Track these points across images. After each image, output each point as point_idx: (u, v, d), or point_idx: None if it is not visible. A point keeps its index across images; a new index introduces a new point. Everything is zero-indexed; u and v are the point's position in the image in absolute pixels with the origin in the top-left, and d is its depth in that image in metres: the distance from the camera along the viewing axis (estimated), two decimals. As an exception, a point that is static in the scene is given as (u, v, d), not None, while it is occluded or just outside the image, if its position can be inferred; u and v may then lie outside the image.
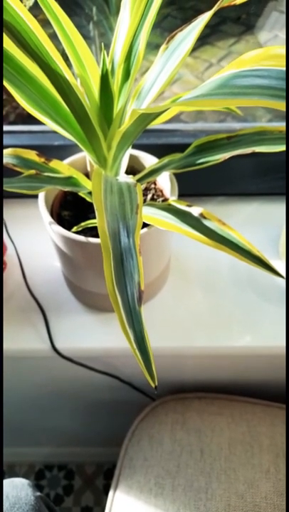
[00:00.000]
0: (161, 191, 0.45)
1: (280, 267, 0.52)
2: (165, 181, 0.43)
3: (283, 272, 0.51)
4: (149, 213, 0.36)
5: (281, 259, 0.52)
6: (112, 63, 0.34)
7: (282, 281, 0.50)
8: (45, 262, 0.50)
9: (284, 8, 1.40)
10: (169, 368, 0.52)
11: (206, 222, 0.32)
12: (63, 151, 0.47)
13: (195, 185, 0.53)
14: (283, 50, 0.20)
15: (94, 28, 0.51)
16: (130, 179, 0.31)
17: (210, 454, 0.49)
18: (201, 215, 0.33)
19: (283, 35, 1.40)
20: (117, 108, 0.33)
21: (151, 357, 0.20)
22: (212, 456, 0.48)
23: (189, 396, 0.55)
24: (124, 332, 0.21)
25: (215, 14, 0.34)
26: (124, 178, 0.33)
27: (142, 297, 0.21)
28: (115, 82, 0.33)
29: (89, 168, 0.43)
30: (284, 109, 0.18)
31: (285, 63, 0.20)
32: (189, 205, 0.34)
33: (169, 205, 0.36)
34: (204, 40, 1.29)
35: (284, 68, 0.19)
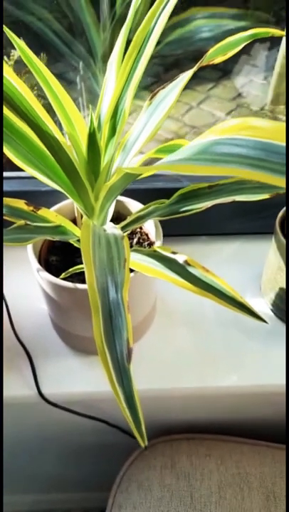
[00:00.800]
0: (147, 235, 0.47)
1: (263, 304, 0.53)
2: (150, 226, 0.45)
3: (266, 314, 0.53)
4: (135, 259, 0.37)
5: (263, 297, 0.54)
6: (99, 120, 0.37)
7: (272, 327, 0.52)
8: (32, 304, 0.50)
9: (256, 62, 1.50)
10: (156, 410, 0.51)
11: (191, 269, 0.34)
12: (51, 196, 0.48)
13: (179, 226, 0.55)
14: (260, 122, 0.22)
15: (81, 81, 0.54)
16: (117, 230, 0.33)
17: (200, 499, 0.48)
18: (186, 262, 0.34)
19: (258, 80, 1.49)
20: (103, 162, 0.35)
21: (140, 415, 0.21)
22: (202, 502, 0.47)
23: (178, 438, 0.54)
24: (114, 389, 0.21)
25: (195, 60, 0.36)
26: (111, 228, 0.34)
27: (130, 354, 0.21)
28: (102, 138, 0.35)
29: (76, 214, 0.44)
30: (260, 179, 0.20)
31: (261, 134, 0.22)
32: (174, 252, 0.35)
33: (155, 251, 0.37)
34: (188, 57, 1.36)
35: (261, 139, 0.21)
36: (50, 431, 0.54)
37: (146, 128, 0.39)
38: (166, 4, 0.31)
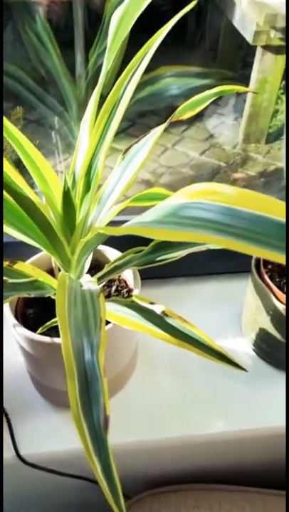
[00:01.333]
0: (125, 282, 0.47)
1: (244, 344, 0.53)
2: (128, 273, 0.45)
3: (248, 354, 0.53)
4: (112, 310, 0.37)
5: (244, 337, 0.54)
6: (74, 177, 0.38)
7: (251, 361, 0.52)
8: (9, 357, 0.49)
9: (227, 105, 1.59)
10: (142, 462, 0.49)
11: (169, 320, 0.34)
12: (28, 246, 0.48)
13: (156, 268, 0.55)
14: (224, 188, 0.24)
15: (56, 134, 0.56)
16: (94, 285, 0.33)
17: None
18: (164, 313, 0.34)
19: (229, 121, 1.57)
20: (78, 218, 0.36)
21: (118, 488, 0.20)
22: None
23: (165, 490, 0.52)
24: (90, 460, 0.21)
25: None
26: (87, 282, 0.34)
27: (108, 423, 0.21)
28: (76, 195, 0.36)
29: (53, 265, 0.44)
30: (226, 245, 0.20)
31: (226, 199, 0.23)
32: (152, 303, 0.36)
33: (132, 302, 0.37)
34: (158, 113, 1.42)
35: (226, 205, 0.22)
36: (30, 492, 0.51)
37: (121, 181, 0.40)
38: (136, 70, 0.33)
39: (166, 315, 0.34)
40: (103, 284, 0.45)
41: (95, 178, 0.36)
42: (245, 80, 1.54)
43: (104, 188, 0.41)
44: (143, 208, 0.32)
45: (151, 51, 0.32)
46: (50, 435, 0.43)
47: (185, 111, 0.43)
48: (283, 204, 0.20)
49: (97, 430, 0.21)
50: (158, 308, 0.35)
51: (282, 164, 1.29)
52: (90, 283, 0.34)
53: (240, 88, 0.45)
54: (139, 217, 0.29)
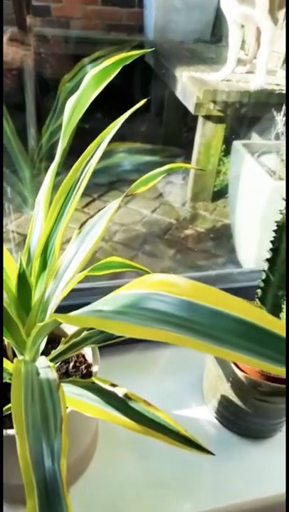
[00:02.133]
0: (83, 356, 0.45)
1: (207, 412, 0.52)
2: (87, 348, 0.43)
3: (211, 422, 0.52)
4: (71, 393, 0.35)
5: (206, 404, 0.53)
6: (29, 254, 0.37)
7: (214, 431, 0.50)
8: None
9: (172, 172, 1.69)
10: None
11: (132, 404, 0.33)
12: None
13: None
14: (181, 280, 0.24)
15: (9, 204, 0.56)
16: (51, 372, 0.31)
17: None
18: (126, 396, 0.33)
19: (177, 181, 1.66)
20: (34, 299, 0.34)
21: None
22: None
23: None
24: None
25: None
26: (44, 368, 0.32)
27: None
28: (32, 274, 0.35)
29: (7, 347, 0.42)
30: (184, 344, 0.20)
31: (181, 291, 0.23)
32: (113, 385, 0.34)
33: (93, 383, 0.36)
34: (111, 186, 1.48)
35: (185, 298, 0.23)
36: None
37: (77, 256, 0.40)
38: (92, 155, 0.34)
39: (129, 398, 0.33)
40: (60, 361, 0.43)
41: (52, 258, 0.36)
42: (189, 143, 1.67)
43: (61, 263, 0.40)
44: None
45: (106, 140, 0.34)
46: None
47: (139, 186, 0.45)
48: (239, 300, 0.21)
49: None
50: (120, 391, 0.33)
51: (228, 221, 1.37)
52: (47, 369, 0.32)
53: (187, 166, 0.50)
54: (98, 303, 0.29)
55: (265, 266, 0.43)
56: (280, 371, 0.16)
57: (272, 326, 0.18)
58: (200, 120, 1.38)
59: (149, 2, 2.20)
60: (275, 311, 0.44)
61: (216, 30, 2.26)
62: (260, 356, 0.16)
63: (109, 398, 0.33)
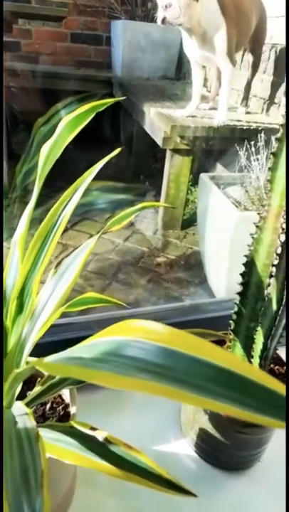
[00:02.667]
0: (60, 396, 0.44)
1: (185, 445, 0.52)
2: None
3: (190, 456, 0.51)
4: (49, 439, 0.34)
5: (185, 437, 0.53)
6: (5, 297, 0.37)
7: (194, 465, 0.50)
8: None
9: (145, 196, 1.74)
10: None
11: (112, 448, 0.32)
12: None
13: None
14: (159, 327, 0.25)
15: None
16: (29, 420, 0.30)
17: None
18: (106, 440, 0.33)
19: (148, 209, 1.70)
20: (10, 344, 0.34)
21: None
22: None
23: None
24: None
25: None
26: (21, 416, 0.31)
27: None
28: (8, 317, 0.35)
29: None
30: (166, 395, 0.21)
31: (160, 338, 0.24)
32: (93, 429, 0.34)
33: (71, 427, 0.35)
34: (84, 215, 1.49)
35: (164, 345, 0.23)
36: None
37: (53, 296, 0.40)
38: (70, 198, 0.35)
39: (110, 442, 0.32)
40: (36, 405, 0.42)
41: (29, 300, 0.36)
42: (158, 172, 1.72)
43: (37, 303, 0.40)
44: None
45: (83, 185, 0.35)
46: None
47: (114, 224, 0.46)
48: (217, 347, 0.22)
49: None
50: (100, 435, 0.33)
51: (198, 248, 1.41)
52: (24, 417, 0.31)
53: (158, 204, 0.52)
54: (77, 349, 0.29)
55: (237, 298, 0.45)
56: (260, 420, 0.17)
57: (250, 374, 0.19)
58: (168, 153, 1.43)
59: (117, 41, 2.31)
60: (247, 343, 0.45)
61: (180, 68, 2.40)
62: (240, 405, 0.17)
63: (89, 443, 0.33)
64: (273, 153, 0.37)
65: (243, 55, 1.58)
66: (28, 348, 0.38)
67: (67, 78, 2.29)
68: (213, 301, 0.64)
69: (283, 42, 1.44)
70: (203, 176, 1.14)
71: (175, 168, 1.45)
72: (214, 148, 1.46)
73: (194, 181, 1.73)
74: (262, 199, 1.02)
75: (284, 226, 0.39)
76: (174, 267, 1.35)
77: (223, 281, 1.02)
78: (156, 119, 1.45)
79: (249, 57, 1.51)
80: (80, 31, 2.51)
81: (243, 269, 0.43)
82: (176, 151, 1.41)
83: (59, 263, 0.42)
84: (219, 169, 1.77)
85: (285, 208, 0.38)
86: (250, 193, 1.00)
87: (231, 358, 0.20)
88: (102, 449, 0.32)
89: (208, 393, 0.19)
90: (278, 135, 0.36)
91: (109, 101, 0.44)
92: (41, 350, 0.46)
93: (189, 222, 1.59)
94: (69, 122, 0.42)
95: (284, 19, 1.44)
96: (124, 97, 0.51)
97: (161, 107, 1.56)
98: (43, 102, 2.10)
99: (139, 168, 2.07)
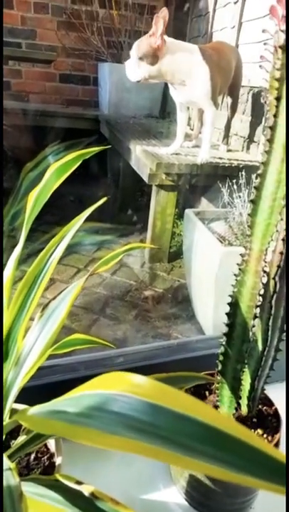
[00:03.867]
0: (45, 445, 0.43)
1: (175, 493, 0.51)
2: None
3: (180, 505, 0.50)
4: (33, 494, 0.33)
5: (175, 484, 0.51)
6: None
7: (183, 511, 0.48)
8: None
9: (134, 230, 1.77)
10: None
11: (99, 504, 0.31)
12: None
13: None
14: (144, 381, 0.25)
15: None
16: (12, 477, 0.29)
17: None
18: (93, 494, 0.32)
19: (135, 242, 1.72)
20: (-5, 394, 0.33)
21: None
22: None
23: None
24: None
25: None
26: (5, 471, 0.30)
27: None
28: (-7, 367, 0.35)
29: None
30: (158, 458, 0.21)
31: (144, 392, 0.24)
32: (79, 482, 0.33)
33: (57, 480, 0.34)
34: (71, 249, 1.50)
35: (150, 401, 0.23)
36: None
37: (39, 341, 0.39)
38: (56, 246, 0.36)
39: (96, 497, 0.31)
40: (20, 456, 0.41)
41: (14, 348, 0.35)
42: (144, 206, 1.76)
43: (22, 349, 0.40)
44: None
45: (70, 233, 0.36)
46: None
47: (101, 266, 0.47)
48: (203, 403, 0.22)
49: None
50: (86, 490, 0.32)
51: (185, 281, 1.42)
52: (8, 473, 0.30)
53: (145, 245, 0.53)
54: (62, 402, 0.28)
55: (223, 339, 0.45)
56: (248, 481, 0.17)
57: (237, 432, 0.19)
58: (154, 188, 1.47)
59: (104, 82, 2.42)
60: (235, 384, 0.45)
61: (164, 107, 2.52)
62: (227, 465, 0.17)
63: (75, 498, 0.32)
64: (252, 201, 0.38)
65: (222, 97, 1.67)
66: (13, 395, 0.37)
67: (55, 116, 2.36)
68: (200, 339, 0.64)
69: (259, 85, 1.53)
70: (189, 212, 1.17)
71: (161, 203, 1.48)
72: (198, 184, 1.50)
73: (180, 215, 1.77)
74: (245, 234, 1.05)
75: (266, 269, 0.41)
76: (162, 301, 1.35)
77: (210, 315, 1.02)
78: (143, 157, 1.50)
79: (228, 100, 1.60)
80: (68, 72, 2.63)
81: (228, 305, 0.43)
82: (161, 186, 1.45)
83: (46, 306, 0.42)
84: (204, 203, 1.82)
85: (265, 253, 0.39)
86: (234, 228, 1.03)
87: (217, 415, 0.20)
88: (87, 504, 0.31)
89: (194, 453, 0.19)
90: (256, 183, 0.38)
91: (96, 149, 0.46)
92: (26, 394, 0.45)
93: (176, 254, 1.61)
94: (57, 169, 0.43)
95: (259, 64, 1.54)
96: (109, 146, 0.54)
97: (147, 144, 1.62)
98: (32, 139, 2.16)
99: (126, 201, 2.12)
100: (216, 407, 0.49)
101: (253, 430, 0.48)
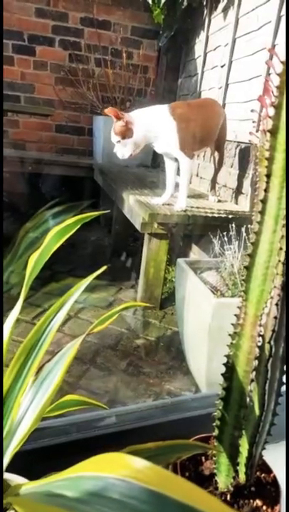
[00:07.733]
0: None
1: None
2: None
3: None
4: None
5: None
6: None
7: None
8: None
9: (124, 273, 1.77)
10: None
11: None
12: None
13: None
14: (145, 466, 0.25)
15: None
16: None
17: None
18: None
19: (126, 288, 1.71)
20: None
21: None
22: None
23: None
24: None
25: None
26: None
27: None
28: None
29: None
30: None
31: (145, 479, 0.24)
32: None
33: None
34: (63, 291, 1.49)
35: (149, 487, 0.23)
36: None
37: (32, 407, 0.39)
38: (53, 318, 0.36)
39: None
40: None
41: (9, 417, 0.35)
42: (136, 252, 1.78)
43: (16, 415, 0.39)
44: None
45: (68, 303, 0.37)
46: None
47: (97, 325, 0.47)
48: (204, 492, 0.22)
49: None
50: None
51: (177, 328, 1.41)
52: None
53: (140, 304, 0.54)
54: (59, 483, 0.28)
55: (220, 403, 0.45)
56: None
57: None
58: (146, 236, 1.50)
59: (98, 133, 2.55)
60: (232, 452, 0.44)
61: (156, 157, 2.63)
62: None
63: None
64: (246, 267, 0.40)
65: (211, 153, 1.77)
66: (5, 463, 0.36)
67: (51, 164, 2.45)
68: (195, 398, 0.63)
69: (246, 141, 1.63)
70: (180, 261, 1.19)
71: (153, 250, 1.51)
72: (190, 234, 1.54)
73: (172, 261, 1.79)
74: (236, 284, 1.07)
75: (261, 333, 0.41)
76: (154, 350, 1.33)
77: (204, 368, 1.01)
78: (135, 206, 1.55)
79: (215, 155, 1.69)
80: (64, 123, 2.76)
81: (224, 367, 0.43)
82: (153, 235, 1.48)
83: (40, 368, 0.42)
84: (195, 250, 1.85)
85: (260, 318, 0.40)
86: (226, 279, 1.04)
87: (220, 506, 0.20)
88: None
89: None
90: (249, 251, 0.40)
91: (95, 214, 0.47)
92: (17, 458, 0.43)
93: (167, 301, 1.61)
94: (57, 233, 0.45)
95: (246, 122, 1.65)
96: (107, 211, 0.55)
97: (140, 194, 1.68)
98: (28, 185, 2.21)
99: (119, 247, 2.14)
100: (214, 474, 0.47)
101: (252, 501, 0.46)
